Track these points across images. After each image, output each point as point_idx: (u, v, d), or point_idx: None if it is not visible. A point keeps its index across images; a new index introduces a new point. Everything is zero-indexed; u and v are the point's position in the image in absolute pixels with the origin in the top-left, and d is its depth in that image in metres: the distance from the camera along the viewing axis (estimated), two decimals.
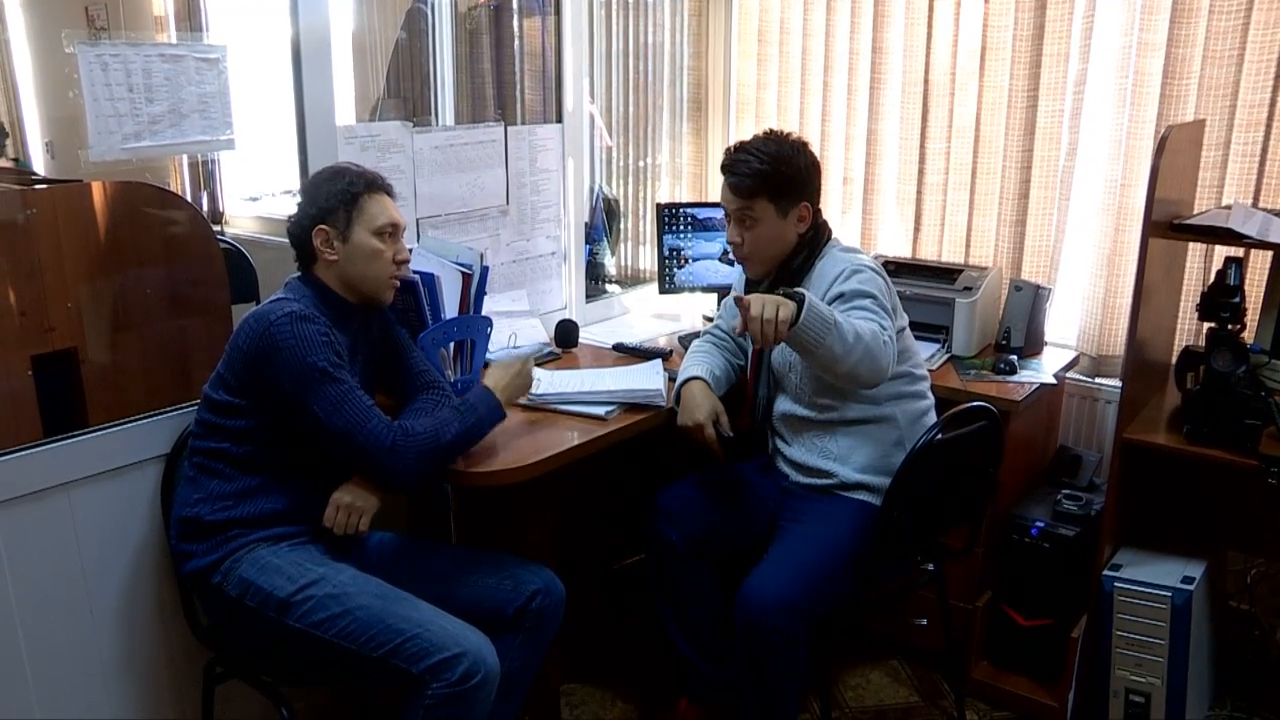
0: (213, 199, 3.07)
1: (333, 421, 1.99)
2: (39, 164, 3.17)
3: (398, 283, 2.23)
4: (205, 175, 3.02)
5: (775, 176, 2.39)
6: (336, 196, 2.12)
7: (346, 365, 2.08)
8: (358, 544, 2.24)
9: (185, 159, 2.81)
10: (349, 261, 2.13)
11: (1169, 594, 2.56)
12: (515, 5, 3.18)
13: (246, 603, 2.02)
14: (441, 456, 2.11)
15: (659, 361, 2.86)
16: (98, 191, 2.29)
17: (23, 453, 2.06)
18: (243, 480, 2.08)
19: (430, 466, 2.11)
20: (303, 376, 1.98)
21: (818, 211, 2.50)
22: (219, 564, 2.05)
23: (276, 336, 1.99)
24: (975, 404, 2.46)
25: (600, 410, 2.48)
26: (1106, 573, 2.63)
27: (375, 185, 2.17)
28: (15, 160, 3.15)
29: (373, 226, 2.13)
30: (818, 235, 2.49)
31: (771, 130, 2.50)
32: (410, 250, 2.27)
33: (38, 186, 2.45)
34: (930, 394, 2.58)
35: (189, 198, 2.88)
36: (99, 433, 2.19)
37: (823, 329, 2.09)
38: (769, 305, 2.04)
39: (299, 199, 2.17)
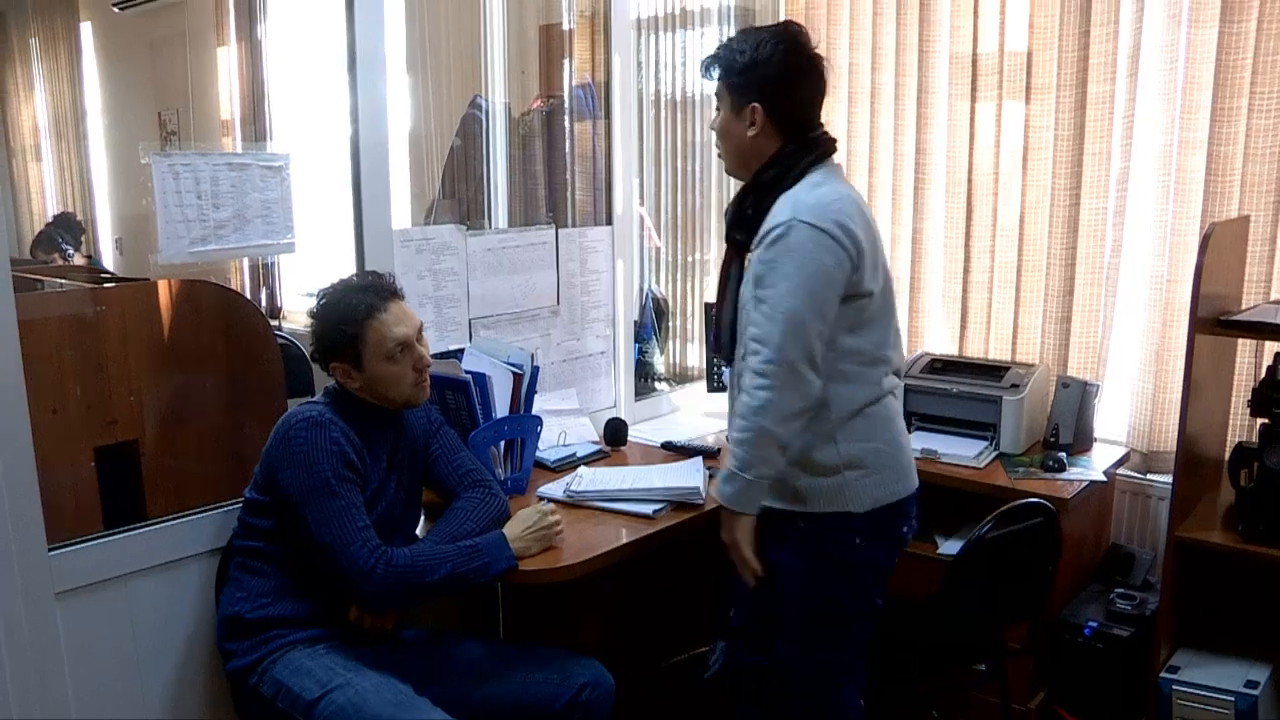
0: (271, 295, 3.16)
1: (321, 534, 2.02)
2: (108, 258, 3.30)
3: (427, 384, 2.24)
4: (265, 272, 3.11)
5: (727, 62, 2.13)
6: (339, 338, 2.12)
7: (357, 477, 2.10)
8: (398, 641, 2.25)
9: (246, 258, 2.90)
10: (369, 387, 2.17)
11: (1232, 699, 2.50)
12: (567, 109, 3.28)
13: (278, 704, 2.03)
14: (424, 592, 2.09)
15: (699, 459, 2.84)
16: (163, 290, 2.37)
17: (86, 544, 2.12)
18: (278, 578, 2.12)
19: (408, 598, 2.12)
20: (306, 484, 2.03)
21: (791, 126, 2.12)
22: (257, 665, 2.07)
23: (292, 441, 2.06)
24: (1031, 500, 2.42)
25: (647, 509, 2.48)
26: (1164, 675, 2.58)
27: (374, 308, 2.13)
28: (89, 257, 3.28)
29: (383, 353, 2.13)
30: (791, 159, 2.12)
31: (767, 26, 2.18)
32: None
33: (107, 285, 2.54)
34: (881, 383, 2.12)
35: (249, 294, 2.97)
36: (157, 526, 2.23)
37: (742, 485, 2.00)
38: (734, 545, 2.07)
39: (311, 327, 2.18)
